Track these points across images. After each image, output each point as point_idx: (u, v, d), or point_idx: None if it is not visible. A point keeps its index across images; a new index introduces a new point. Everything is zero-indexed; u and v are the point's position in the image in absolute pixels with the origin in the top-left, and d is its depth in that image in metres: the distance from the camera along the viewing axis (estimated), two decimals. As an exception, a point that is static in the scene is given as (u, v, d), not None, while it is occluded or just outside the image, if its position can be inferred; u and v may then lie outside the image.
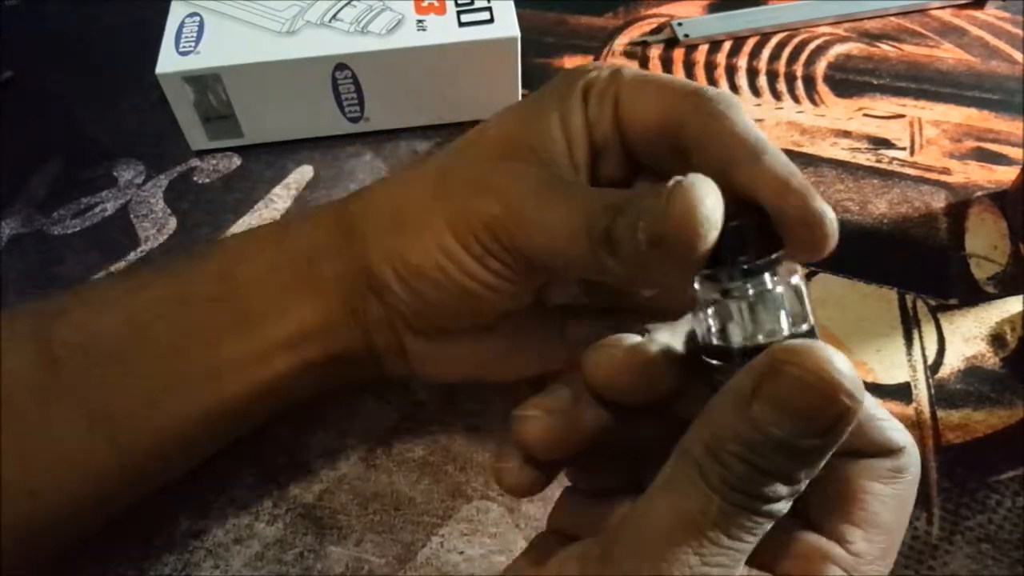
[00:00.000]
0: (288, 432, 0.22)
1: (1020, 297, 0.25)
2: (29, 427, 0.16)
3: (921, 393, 0.23)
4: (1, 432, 0.16)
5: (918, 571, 0.20)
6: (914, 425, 0.22)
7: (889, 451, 0.13)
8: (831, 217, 0.14)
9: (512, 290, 0.17)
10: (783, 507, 0.12)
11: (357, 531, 0.21)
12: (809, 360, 0.11)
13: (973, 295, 0.25)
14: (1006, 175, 0.28)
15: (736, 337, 0.13)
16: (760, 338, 0.13)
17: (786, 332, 0.13)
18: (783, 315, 0.13)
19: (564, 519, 0.15)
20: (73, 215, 0.29)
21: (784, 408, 0.11)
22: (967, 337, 0.24)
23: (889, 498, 0.13)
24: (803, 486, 0.12)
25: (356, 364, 0.19)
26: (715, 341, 0.13)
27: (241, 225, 0.28)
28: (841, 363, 0.11)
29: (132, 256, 0.27)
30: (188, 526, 0.21)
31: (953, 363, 0.24)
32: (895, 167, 0.29)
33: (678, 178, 0.13)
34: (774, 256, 0.13)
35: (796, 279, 0.13)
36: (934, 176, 0.28)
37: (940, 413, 0.22)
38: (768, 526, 0.12)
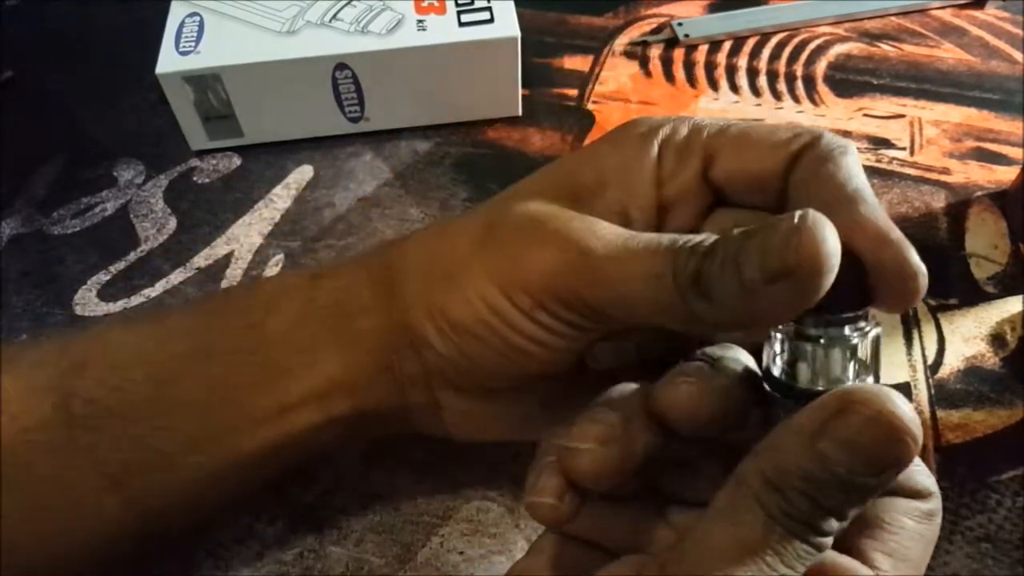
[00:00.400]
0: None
1: (1020, 297, 0.25)
2: (43, 487, 0.16)
3: (921, 393, 0.23)
4: (14, 490, 0.16)
5: (918, 571, 0.20)
6: (914, 425, 0.22)
7: (919, 494, 0.14)
8: (924, 272, 0.14)
9: (564, 345, 0.16)
10: (831, 540, 0.12)
11: (357, 531, 0.21)
12: (879, 402, 0.12)
13: (973, 295, 0.25)
14: (1006, 175, 0.28)
15: (803, 377, 0.13)
16: (821, 384, 0.13)
17: (850, 383, 0.13)
18: (852, 366, 0.13)
19: (574, 522, 0.15)
20: (73, 215, 0.29)
21: (852, 447, 0.12)
22: (967, 337, 0.24)
23: (919, 535, 0.14)
24: (850, 520, 0.12)
25: (386, 420, 0.18)
26: (779, 375, 0.14)
27: (241, 225, 0.28)
28: (906, 407, 0.12)
29: (132, 256, 0.27)
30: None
31: (953, 363, 0.24)
32: (895, 167, 0.29)
33: (802, 213, 0.13)
34: (860, 312, 0.13)
35: (875, 332, 0.13)
36: (934, 176, 0.29)
37: (940, 413, 0.22)
38: (817, 556, 0.12)
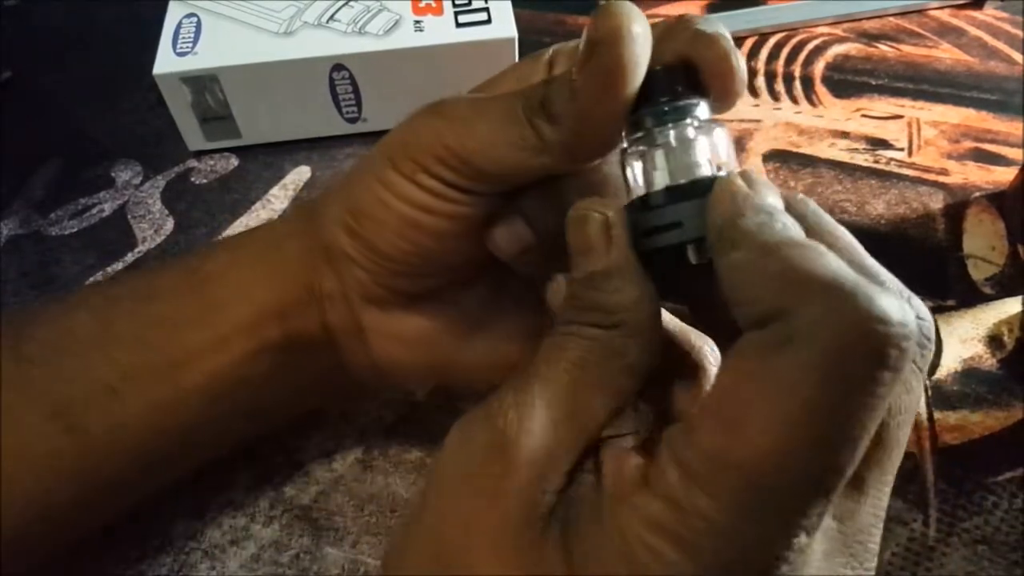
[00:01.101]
0: (285, 433, 0.22)
1: (1018, 298, 0.25)
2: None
3: (918, 394, 0.23)
4: None
5: (915, 572, 0.20)
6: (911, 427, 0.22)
7: (778, 314, 0.11)
8: (742, 68, 0.14)
9: (450, 210, 0.16)
10: (602, 332, 0.13)
11: (353, 533, 0.21)
12: (577, 205, 0.14)
13: (971, 296, 0.25)
14: (1004, 176, 0.28)
15: (660, 183, 0.13)
16: (682, 180, 0.13)
17: (701, 176, 0.13)
18: (699, 161, 0.13)
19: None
20: (71, 216, 0.29)
21: (572, 250, 0.14)
22: (964, 338, 0.24)
23: (750, 387, 0.10)
24: (621, 315, 0.13)
25: (315, 349, 0.19)
26: (643, 192, 0.14)
27: (238, 226, 0.28)
28: (592, 200, 0.14)
29: (130, 257, 0.27)
30: (185, 527, 0.21)
31: (950, 364, 0.24)
32: (893, 168, 0.29)
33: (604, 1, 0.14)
34: (695, 100, 0.14)
35: (719, 129, 0.14)
36: (932, 177, 0.28)
37: (937, 415, 0.22)
38: (589, 346, 0.13)
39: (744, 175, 0.13)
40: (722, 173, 0.13)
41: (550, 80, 0.15)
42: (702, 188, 0.13)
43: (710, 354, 0.15)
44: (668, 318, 0.16)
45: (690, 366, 0.15)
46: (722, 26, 0.15)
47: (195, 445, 0.19)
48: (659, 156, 0.13)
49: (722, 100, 0.14)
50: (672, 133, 0.13)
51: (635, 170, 0.14)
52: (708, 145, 0.13)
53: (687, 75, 0.14)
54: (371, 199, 0.17)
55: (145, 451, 0.18)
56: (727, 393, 0.11)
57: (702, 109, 0.14)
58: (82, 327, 0.18)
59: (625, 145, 0.14)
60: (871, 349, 0.10)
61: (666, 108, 0.14)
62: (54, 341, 0.17)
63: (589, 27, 0.14)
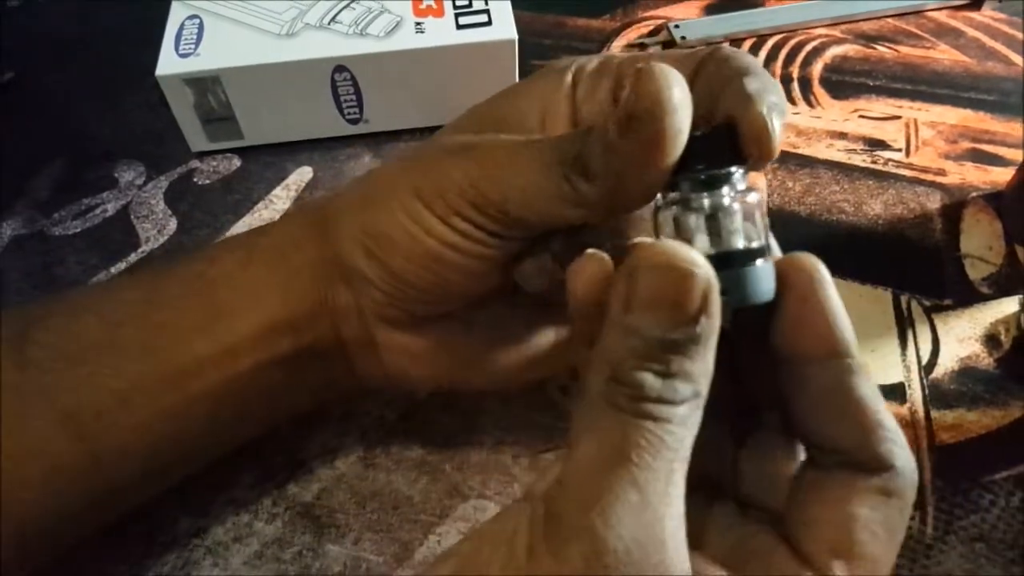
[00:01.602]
0: (287, 431, 0.23)
1: (1015, 298, 0.25)
2: (3, 423, 0.16)
3: (915, 393, 0.23)
4: None
5: (912, 570, 0.20)
6: (908, 425, 0.22)
7: (882, 467, 0.13)
8: (776, 130, 0.14)
9: (479, 251, 0.17)
10: (693, 408, 0.12)
11: (355, 530, 0.21)
12: (657, 250, 0.12)
13: (968, 296, 0.25)
14: (1001, 176, 0.28)
15: (699, 247, 0.13)
16: (714, 252, 0.13)
17: (740, 247, 0.13)
18: (738, 230, 0.13)
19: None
20: (74, 216, 0.29)
21: (652, 305, 0.12)
22: (961, 338, 0.24)
23: (878, 526, 0.12)
24: (703, 384, 0.12)
25: (326, 361, 0.19)
26: None
27: (241, 226, 0.28)
28: (684, 248, 0.12)
29: (133, 257, 0.27)
30: (188, 525, 0.21)
31: (947, 363, 0.24)
32: (891, 168, 0.29)
33: (641, 65, 0.13)
34: (733, 169, 0.14)
35: (754, 196, 0.14)
36: (929, 177, 0.29)
37: (934, 413, 0.23)
38: (682, 430, 0.12)
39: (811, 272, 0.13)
40: (755, 244, 0.13)
41: (586, 135, 0.14)
42: (741, 259, 0.13)
43: None
44: None
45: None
46: (766, 78, 0.14)
47: (202, 449, 0.19)
48: (697, 221, 0.13)
49: (757, 164, 0.14)
50: (709, 202, 0.13)
51: (668, 228, 0.14)
52: (744, 212, 0.13)
53: (728, 141, 0.14)
54: (397, 229, 0.17)
55: (152, 456, 0.18)
56: (848, 530, 0.12)
57: (740, 176, 0.14)
58: (89, 332, 0.17)
59: (660, 203, 0.14)
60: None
61: (703, 177, 0.13)
62: (61, 346, 0.17)
63: (630, 92, 0.13)
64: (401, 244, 0.17)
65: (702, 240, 0.13)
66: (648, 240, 0.12)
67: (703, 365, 0.12)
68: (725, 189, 0.13)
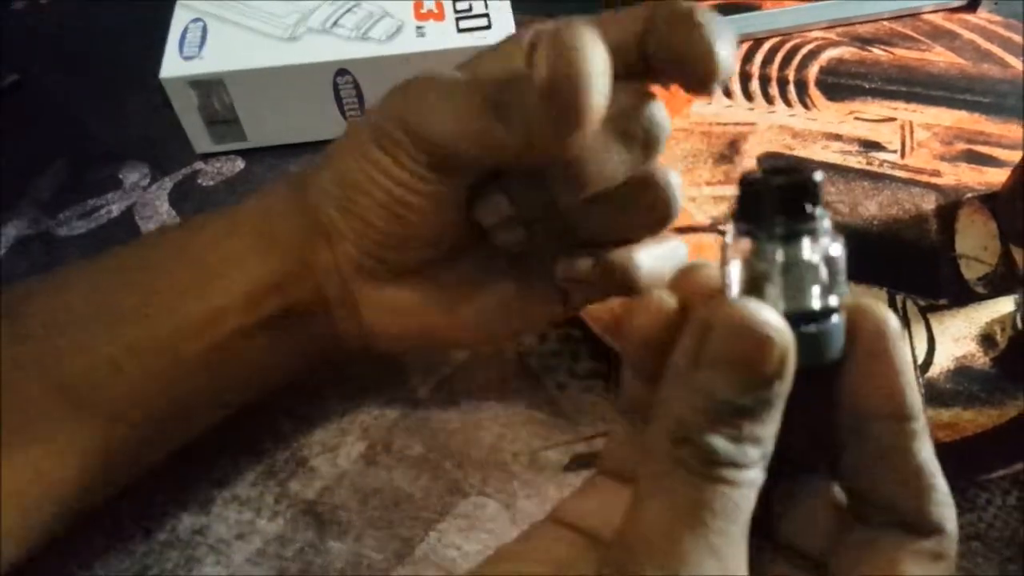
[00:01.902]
0: (289, 429, 0.23)
1: (1010, 297, 0.25)
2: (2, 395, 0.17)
3: (911, 392, 0.23)
4: None
5: (907, 566, 0.20)
6: (904, 423, 0.23)
7: (933, 530, 0.13)
8: (724, 55, 0.14)
9: (431, 190, 0.17)
10: (760, 470, 0.12)
11: (357, 527, 0.21)
12: (735, 310, 0.11)
13: (963, 295, 0.25)
14: (996, 177, 0.29)
15: (770, 298, 0.12)
16: (783, 307, 0.12)
17: (816, 306, 0.12)
18: (816, 286, 0.12)
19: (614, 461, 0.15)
20: (78, 217, 0.29)
21: (726, 366, 0.11)
22: (957, 337, 0.24)
23: None
24: (770, 445, 0.12)
25: (312, 321, 0.19)
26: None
27: (243, 227, 0.29)
28: (765, 309, 0.11)
29: (136, 257, 0.28)
30: (190, 522, 0.21)
31: (943, 363, 0.24)
32: (886, 169, 0.29)
33: (562, 26, 0.13)
34: (816, 219, 0.12)
35: (837, 249, 0.12)
36: (924, 178, 0.29)
37: (930, 412, 0.23)
38: (752, 492, 0.11)
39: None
40: (834, 302, 0.12)
41: (510, 84, 0.15)
42: (817, 317, 0.12)
43: None
44: None
45: None
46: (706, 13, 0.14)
47: (194, 413, 0.20)
48: (772, 272, 0.12)
49: (700, 85, 0.14)
50: (785, 256, 0.12)
51: (736, 271, 0.12)
52: (825, 266, 0.12)
53: (811, 189, 0.12)
54: (360, 175, 0.17)
55: (147, 422, 0.18)
56: None
57: (824, 228, 0.12)
58: (79, 301, 0.18)
59: (729, 241, 0.13)
60: None
61: (781, 231, 0.12)
62: (52, 317, 0.18)
63: (550, 50, 0.13)
64: (365, 189, 0.17)
65: (774, 293, 0.12)
66: (719, 301, 0.11)
67: (772, 428, 0.12)
68: (806, 241, 0.12)
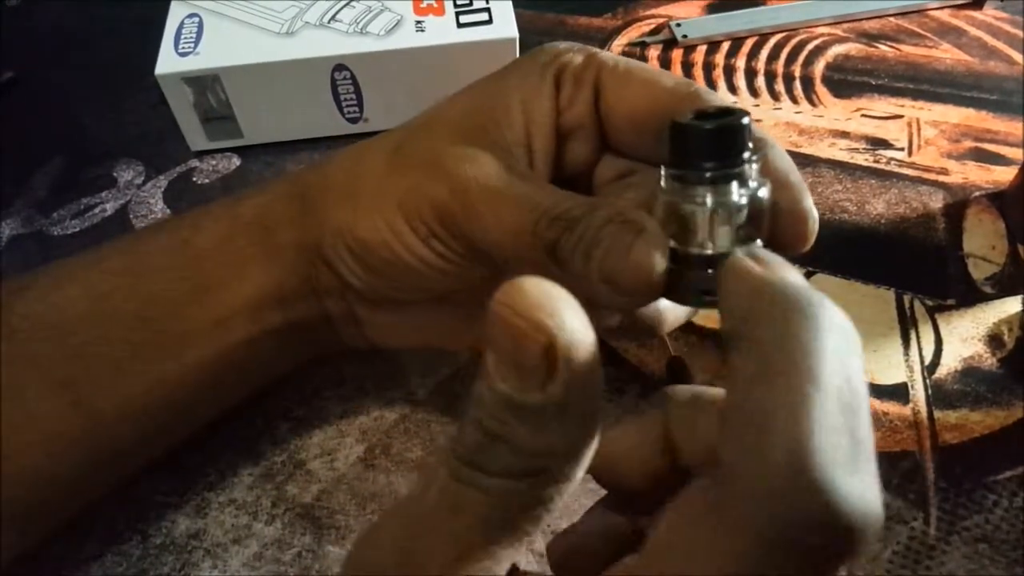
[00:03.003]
0: (286, 432, 0.23)
1: (1018, 297, 0.25)
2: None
3: (918, 393, 0.23)
4: None
5: (915, 571, 0.20)
6: (911, 425, 0.22)
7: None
8: (815, 216, 0.14)
9: (457, 272, 0.17)
10: (506, 485, 0.10)
11: (355, 531, 0.21)
12: (504, 295, 0.09)
13: (971, 295, 0.25)
14: (1004, 175, 0.28)
15: (691, 246, 0.12)
16: (709, 249, 0.12)
17: (728, 246, 0.12)
18: (730, 228, 0.12)
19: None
20: (73, 215, 0.29)
21: (497, 354, 0.09)
22: (964, 337, 0.24)
23: (689, 521, 0.10)
24: (538, 460, 0.09)
25: (314, 332, 0.19)
26: (671, 243, 0.13)
27: (240, 225, 0.28)
28: (538, 290, 0.09)
29: (131, 256, 0.27)
30: (187, 526, 0.21)
31: (950, 363, 0.24)
32: (893, 167, 0.29)
33: (635, 221, 0.13)
34: (745, 164, 0.12)
35: (764, 192, 0.12)
36: (932, 176, 0.29)
37: (937, 413, 0.22)
38: (501, 514, 0.10)
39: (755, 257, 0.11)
40: (758, 242, 0.12)
41: (568, 227, 0.14)
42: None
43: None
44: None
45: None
46: (788, 159, 0.15)
47: (197, 413, 0.20)
48: (698, 215, 0.12)
49: (789, 246, 0.14)
50: (713, 200, 0.12)
51: (661, 213, 0.13)
52: (751, 210, 0.12)
53: (740, 135, 0.12)
54: (378, 240, 0.17)
55: (150, 422, 0.18)
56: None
57: (752, 172, 0.12)
58: (73, 303, 0.17)
59: (663, 181, 0.13)
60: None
61: (710, 176, 0.12)
62: (43, 317, 0.17)
63: (611, 256, 0.13)
64: (381, 254, 0.18)
65: (701, 234, 0.12)
66: (517, 280, 0.09)
67: (545, 443, 0.09)
68: (734, 185, 0.12)
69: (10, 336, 0.17)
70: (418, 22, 0.29)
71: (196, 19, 0.29)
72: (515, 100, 0.17)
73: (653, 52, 0.34)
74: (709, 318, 0.24)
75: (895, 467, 0.21)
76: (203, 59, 0.28)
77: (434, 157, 0.17)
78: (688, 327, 0.24)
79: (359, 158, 0.19)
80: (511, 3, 0.29)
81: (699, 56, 0.33)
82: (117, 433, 0.18)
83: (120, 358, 0.17)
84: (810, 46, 0.34)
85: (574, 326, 0.09)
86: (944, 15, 0.35)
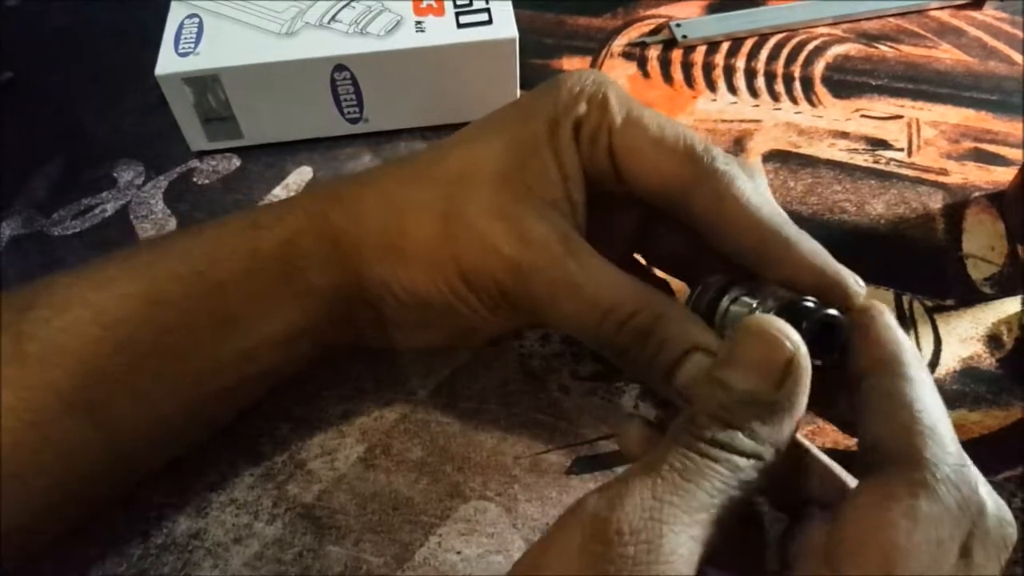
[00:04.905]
0: (287, 432, 0.23)
1: (1017, 298, 0.25)
2: (11, 418, 0.16)
3: (917, 394, 0.23)
4: None
5: (913, 571, 0.20)
6: (910, 425, 0.22)
7: (919, 462, 0.13)
8: (862, 284, 0.16)
9: (512, 327, 0.19)
10: (746, 467, 0.13)
11: (355, 531, 0.21)
12: (759, 321, 0.14)
13: (970, 296, 0.25)
14: (1003, 176, 0.28)
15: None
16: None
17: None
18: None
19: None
20: (73, 216, 0.29)
21: (743, 363, 0.13)
22: (963, 338, 0.24)
23: (879, 523, 0.12)
24: (767, 452, 0.13)
25: (341, 346, 0.21)
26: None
27: (240, 226, 0.28)
28: (783, 324, 0.13)
29: (132, 257, 0.27)
30: (188, 526, 0.21)
31: (949, 364, 0.24)
32: (892, 168, 0.29)
33: (707, 369, 0.15)
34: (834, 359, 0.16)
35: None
36: (931, 177, 0.29)
37: (936, 413, 0.23)
38: (728, 486, 0.13)
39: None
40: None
41: (644, 335, 0.16)
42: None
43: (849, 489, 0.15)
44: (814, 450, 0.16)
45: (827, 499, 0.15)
46: (813, 244, 0.17)
47: (216, 423, 0.20)
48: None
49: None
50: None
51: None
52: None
53: (834, 333, 0.16)
54: (440, 299, 0.18)
55: (170, 435, 0.19)
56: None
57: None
58: (88, 329, 0.17)
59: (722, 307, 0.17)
60: None
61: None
62: (62, 343, 0.17)
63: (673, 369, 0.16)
64: (438, 305, 0.18)
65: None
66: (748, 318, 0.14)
67: (772, 431, 0.13)
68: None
69: (24, 360, 0.17)
70: (418, 22, 0.29)
71: (196, 19, 0.29)
72: (548, 154, 0.18)
73: (653, 52, 0.34)
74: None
75: (894, 467, 0.21)
76: (203, 59, 0.28)
77: (491, 237, 0.17)
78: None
79: (400, 213, 0.19)
80: (511, 3, 0.29)
81: (699, 56, 0.33)
82: (134, 449, 0.18)
83: (138, 384, 0.17)
84: (810, 46, 0.34)
85: (804, 351, 0.13)
86: (944, 15, 0.35)
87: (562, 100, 0.18)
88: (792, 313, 0.15)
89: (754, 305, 0.16)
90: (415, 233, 0.18)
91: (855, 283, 0.16)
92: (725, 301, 0.17)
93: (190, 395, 0.18)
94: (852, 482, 0.15)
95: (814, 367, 0.14)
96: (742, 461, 0.13)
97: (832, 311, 0.16)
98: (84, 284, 0.18)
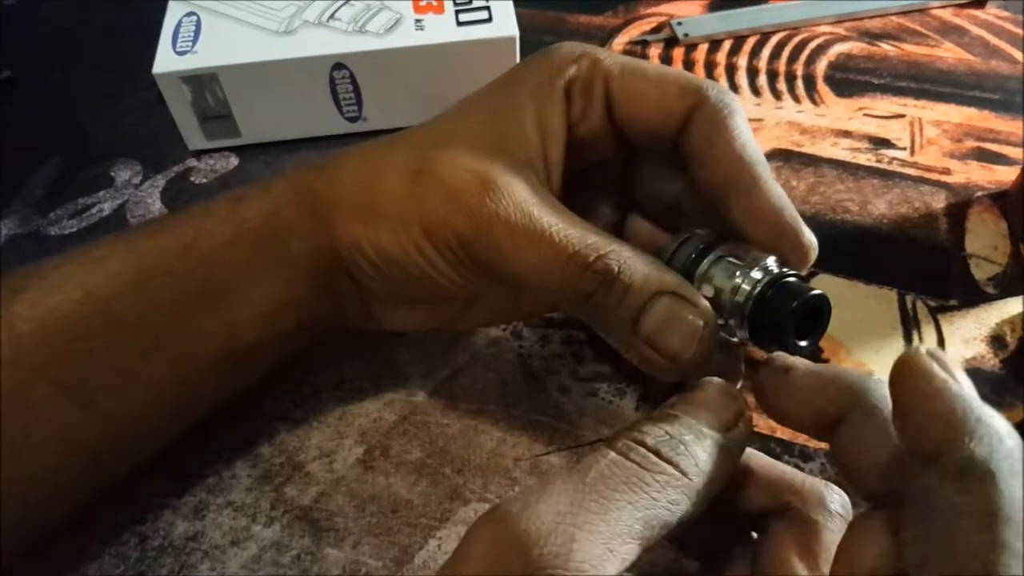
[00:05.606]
0: (285, 434, 0.22)
1: (1020, 298, 0.25)
2: (3, 399, 0.16)
3: (921, 395, 0.23)
4: None
5: (917, 574, 0.20)
6: (913, 427, 0.22)
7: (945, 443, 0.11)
8: (815, 244, 0.17)
9: (479, 289, 0.19)
10: (675, 482, 0.13)
11: (354, 533, 0.20)
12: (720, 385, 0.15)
13: (973, 296, 0.25)
14: (1006, 175, 0.28)
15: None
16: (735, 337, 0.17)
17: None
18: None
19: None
20: (70, 215, 0.29)
21: (697, 402, 0.14)
22: (967, 338, 0.24)
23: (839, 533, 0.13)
24: (698, 475, 0.13)
25: (327, 324, 0.20)
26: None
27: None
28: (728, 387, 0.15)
29: (129, 257, 0.27)
30: (185, 528, 0.21)
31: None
32: (895, 167, 0.29)
33: (688, 298, 0.16)
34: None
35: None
36: (934, 176, 0.28)
37: (940, 415, 0.22)
38: (656, 501, 0.13)
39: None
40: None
41: (606, 283, 0.16)
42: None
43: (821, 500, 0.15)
44: (772, 464, 0.16)
45: (792, 513, 0.15)
46: (781, 194, 0.17)
47: (207, 404, 0.20)
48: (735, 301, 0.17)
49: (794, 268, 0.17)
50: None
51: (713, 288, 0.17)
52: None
53: (820, 316, 0.16)
54: (405, 257, 0.18)
55: (160, 418, 0.19)
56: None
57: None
58: (78, 308, 0.17)
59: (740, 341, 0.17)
60: None
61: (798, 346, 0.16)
62: (51, 322, 0.17)
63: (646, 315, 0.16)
64: (408, 268, 0.18)
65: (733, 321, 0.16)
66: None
67: (709, 460, 0.13)
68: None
69: (14, 342, 0.17)
70: (417, 20, 0.29)
71: (194, 18, 0.29)
72: (529, 114, 0.18)
73: (654, 51, 0.33)
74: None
75: (897, 469, 0.21)
76: (201, 58, 0.28)
77: (456, 189, 0.17)
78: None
79: (375, 173, 0.19)
80: (511, 1, 0.29)
81: (700, 55, 0.33)
82: (126, 430, 0.18)
83: (129, 362, 0.17)
84: (812, 45, 0.33)
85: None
86: (946, 14, 0.35)
87: (554, 63, 0.18)
88: (782, 290, 0.15)
89: (737, 273, 0.16)
90: (385, 189, 0.18)
91: (809, 237, 0.17)
92: (708, 260, 0.17)
93: (180, 373, 0.18)
94: (800, 482, 0.15)
95: (797, 349, 0.15)
96: (673, 476, 0.13)
97: (819, 291, 0.16)
98: (74, 265, 0.18)
